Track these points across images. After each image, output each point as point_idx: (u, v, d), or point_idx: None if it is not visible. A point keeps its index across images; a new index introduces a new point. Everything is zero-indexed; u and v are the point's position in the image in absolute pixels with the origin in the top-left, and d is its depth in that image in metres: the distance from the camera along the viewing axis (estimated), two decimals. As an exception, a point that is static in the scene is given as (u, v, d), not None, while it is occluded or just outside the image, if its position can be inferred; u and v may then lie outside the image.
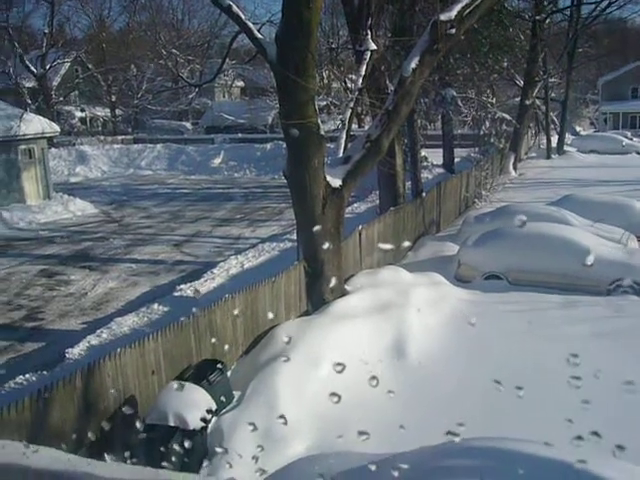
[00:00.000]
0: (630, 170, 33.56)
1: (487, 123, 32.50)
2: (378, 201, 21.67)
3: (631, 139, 48.45)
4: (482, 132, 32.57)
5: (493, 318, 12.41)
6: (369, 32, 14.16)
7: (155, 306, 13.69)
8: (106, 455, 7.28)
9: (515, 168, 34.01)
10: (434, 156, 33.55)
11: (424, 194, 19.74)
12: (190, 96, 60.15)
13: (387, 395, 9.56)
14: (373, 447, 7.18)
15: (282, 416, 3.62)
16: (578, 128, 60.82)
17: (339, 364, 2.53)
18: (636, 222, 18.01)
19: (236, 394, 9.11)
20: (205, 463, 7.53)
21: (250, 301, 10.36)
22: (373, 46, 13.83)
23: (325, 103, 42.01)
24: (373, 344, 10.63)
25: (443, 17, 10.96)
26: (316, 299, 11.63)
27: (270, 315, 10.54)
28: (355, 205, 25.38)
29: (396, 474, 5.82)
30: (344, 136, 13.22)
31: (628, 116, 63.07)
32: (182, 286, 15.09)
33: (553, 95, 43.88)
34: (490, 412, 8.79)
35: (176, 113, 62.33)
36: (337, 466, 6.47)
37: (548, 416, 8.67)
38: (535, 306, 12.94)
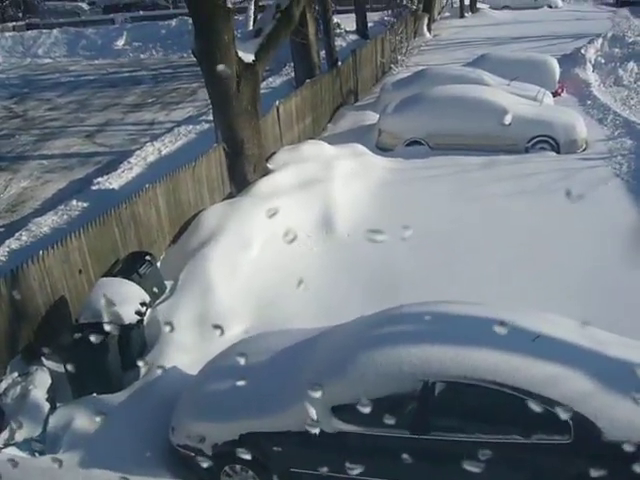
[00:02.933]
0: (543, 25, 33.52)
1: (399, -17, 31.60)
2: (293, 74, 21.10)
3: (542, -8, 48.23)
4: (394, -6, 31.71)
5: (417, 183, 12.56)
6: None
7: (74, 202, 13.18)
8: (43, 359, 7.19)
9: (429, 30, 33.50)
10: (347, 22, 32.57)
11: (339, 63, 19.28)
12: (82, -27, 56.00)
13: (319, 270, 9.71)
14: (312, 322, 7.35)
15: (218, 326, 3.48)
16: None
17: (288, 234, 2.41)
18: (550, 78, 18.19)
19: (168, 284, 9.02)
20: (145, 355, 7.52)
21: (172, 189, 10.08)
22: None
23: (230, -28, 39.82)
24: (301, 220, 10.59)
25: None
26: (239, 180, 11.43)
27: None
28: (270, 80, 24.63)
29: (336, 345, 5.97)
30: (253, 7, 12.58)
31: (538, -31, 62.37)
32: (99, 179, 14.55)
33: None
34: (421, 276, 9.04)
35: (69, -7, 58.10)
36: (278, 344, 6.56)
37: (480, 274, 9.01)
38: (457, 169, 13.11)
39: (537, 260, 9.28)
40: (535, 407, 3.88)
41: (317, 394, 2.95)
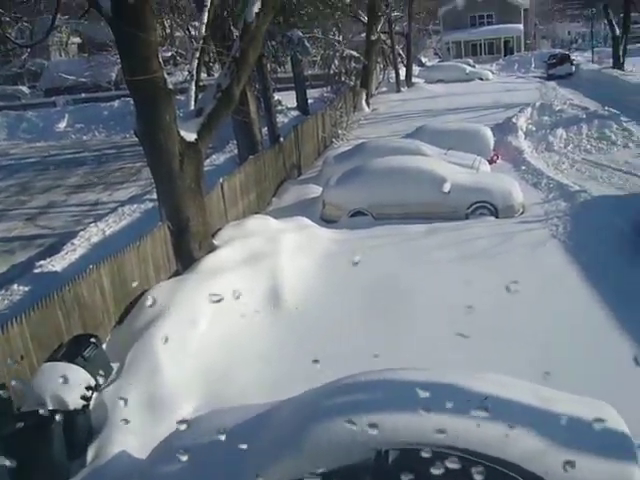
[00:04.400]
0: (475, 96, 34.96)
1: (336, 62, 32.72)
2: (236, 150, 21.39)
3: (473, 66, 50.43)
4: (332, 71, 32.76)
5: (363, 253, 12.69)
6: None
7: (15, 287, 12.92)
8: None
9: (368, 104, 34.53)
10: (288, 99, 33.40)
11: (282, 139, 19.66)
12: (23, 57, 56.22)
13: (268, 344, 9.66)
14: (263, 396, 7.27)
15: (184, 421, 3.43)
16: (424, 59, 62.49)
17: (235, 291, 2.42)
18: (485, 146, 18.92)
19: (115, 366, 8.84)
20: (92, 441, 7.29)
21: (117, 269, 9.98)
22: (213, -9, 13.37)
23: (170, 54, 40.56)
24: (249, 295, 10.57)
25: (281, -43, 10.74)
26: (185, 258, 11.40)
27: (135, 284, 10.07)
28: (213, 157, 24.93)
29: (286, 419, 5.91)
30: (194, 87, 12.82)
31: (469, 44, 65.46)
32: (42, 262, 14.31)
33: (397, 29, 44.64)
34: (370, 344, 9.05)
35: (10, 77, 58.12)
36: (228, 421, 6.45)
37: (427, 339, 9.08)
38: (401, 237, 13.35)
39: (483, 323, 9.41)
40: (488, 468, 3.90)
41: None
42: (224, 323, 9.70)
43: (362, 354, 8.68)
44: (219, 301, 2.69)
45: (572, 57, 48.52)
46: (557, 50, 59.68)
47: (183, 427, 3.33)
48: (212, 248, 11.84)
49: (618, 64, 41.86)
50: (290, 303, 10.80)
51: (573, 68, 44.88)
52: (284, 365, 8.79)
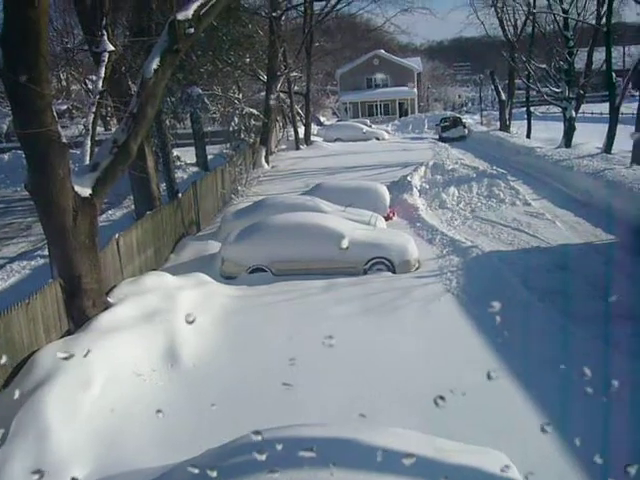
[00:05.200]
0: (372, 155, 36.05)
1: (236, 119, 33.00)
2: (134, 206, 21.05)
3: (370, 126, 52.14)
4: (232, 128, 33.00)
5: (262, 309, 12.66)
6: (105, 32, 13.59)
7: None
8: None
9: (267, 161, 34.91)
10: (187, 155, 33.36)
11: (180, 195, 19.52)
12: None
13: (165, 403, 9.37)
14: (160, 459, 7.01)
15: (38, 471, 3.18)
16: (322, 118, 64.06)
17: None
18: (381, 204, 19.45)
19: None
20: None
21: (2, 329, 9.49)
22: (110, 47, 13.30)
23: (66, 107, 39.87)
24: (144, 354, 10.31)
25: (180, 16, 10.85)
26: (77, 316, 11.00)
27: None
28: (110, 212, 24.41)
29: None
30: (89, 142, 12.59)
31: (366, 105, 67.80)
32: None
33: (296, 88, 45.71)
34: (269, 402, 8.96)
35: None
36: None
37: (326, 395, 9.08)
38: (300, 293, 13.41)
39: (383, 376, 9.53)
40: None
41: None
42: (119, 383, 9.38)
43: (261, 411, 8.59)
44: (67, 358, 2.58)
45: (464, 120, 49.69)
46: (448, 113, 62.49)
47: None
48: (107, 306, 11.49)
49: (504, 127, 44.33)
50: (187, 361, 10.57)
51: (466, 131, 45.74)
52: (182, 425, 8.55)
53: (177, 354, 10.68)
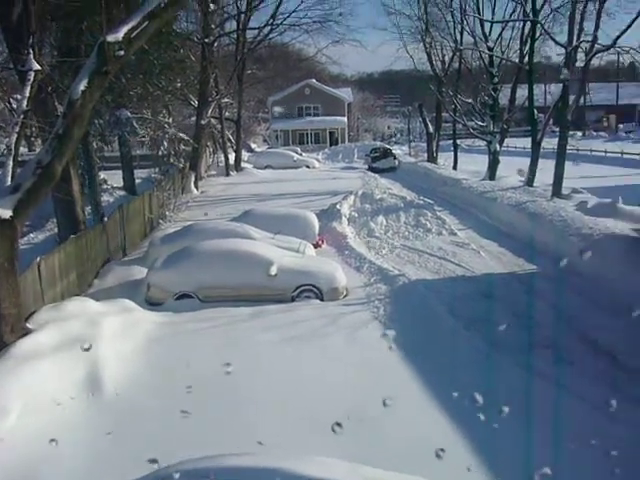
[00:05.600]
0: (302, 183, 36.26)
1: (165, 143, 32.71)
2: (57, 229, 20.50)
3: (301, 154, 52.52)
4: (161, 152, 32.69)
5: (188, 336, 12.46)
6: (31, 50, 13.28)
7: None
8: None
9: (197, 187, 34.65)
10: (114, 178, 32.77)
11: (106, 218, 19.12)
12: None
13: (85, 433, 9.06)
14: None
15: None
16: (253, 145, 64.17)
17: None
18: (311, 231, 19.54)
19: None
20: None
21: None
22: (37, 66, 12.97)
23: (-12, 127, 38.66)
24: (64, 382, 9.98)
25: (110, 38, 10.69)
26: (-6, 342, 10.57)
27: None
28: (31, 235, 23.70)
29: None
30: (11, 162, 12.20)
31: (297, 133, 68.31)
32: None
33: (227, 114, 45.66)
34: (197, 429, 8.77)
35: None
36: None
37: (254, 422, 8.96)
38: (228, 320, 13.27)
39: (309, 404, 9.47)
40: None
41: None
42: (37, 412, 9.05)
43: (186, 440, 8.40)
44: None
45: (395, 151, 49.67)
46: (378, 143, 63.49)
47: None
48: (26, 332, 11.08)
49: (432, 158, 45.35)
50: (110, 389, 10.28)
51: (396, 162, 45.50)
52: (102, 455, 8.28)
53: (99, 382, 10.39)
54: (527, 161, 31.14)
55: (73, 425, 9.16)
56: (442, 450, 3.38)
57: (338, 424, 3.27)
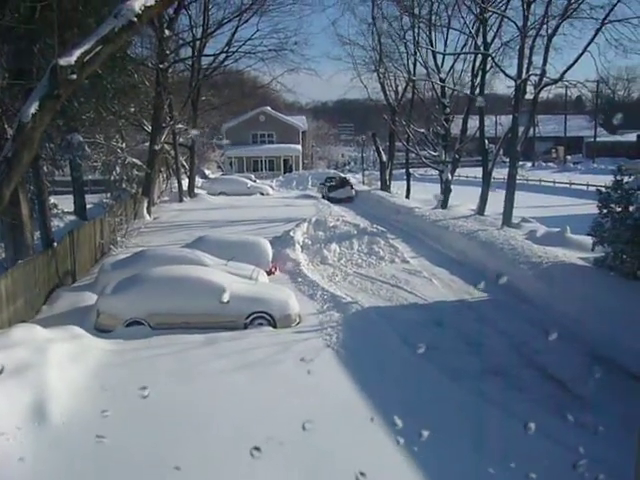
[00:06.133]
0: (256, 210, 36.26)
1: (118, 168, 32.42)
2: (4, 254, 20.04)
3: (255, 181, 52.52)
4: (113, 177, 32.36)
5: (139, 364, 12.26)
6: (-19, 73, 13.11)
7: None
8: None
9: (149, 212, 34.30)
10: (65, 203, 32.21)
11: (55, 244, 18.78)
12: None
13: (29, 465, 8.82)
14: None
15: None
16: (207, 171, 63.95)
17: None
18: (264, 258, 19.52)
19: None
20: None
21: None
22: (-14, 88, 12.82)
23: None
24: (9, 411, 9.70)
25: (63, 62, 10.59)
26: None
27: None
28: (-22, 260, 23.10)
29: None
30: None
31: (251, 160, 68.43)
32: None
33: (181, 140, 45.42)
34: (146, 460, 8.62)
35: None
36: None
37: (205, 453, 8.83)
38: (179, 347, 13.11)
39: (261, 433, 9.38)
40: None
41: None
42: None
43: (137, 471, 8.24)
44: None
45: (351, 180, 49.06)
46: (332, 171, 63.88)
47: None
48: (-32, 360, 10.76)
49: (385, 187, 45.81)
50: (57, 418, 10.03)
51: (354, 192, 44.87)
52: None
53: (45, 411, 10.13)
54: (478, 190, 31.73)
55: (17, 456, 8.90)
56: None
57: (257, 448, 3.37)
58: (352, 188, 45.63)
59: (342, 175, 53.55)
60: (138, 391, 10.70)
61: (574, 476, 3.27)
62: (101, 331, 14.31)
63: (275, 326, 14.59)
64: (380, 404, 10.11)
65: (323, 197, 44.94)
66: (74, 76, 10.65)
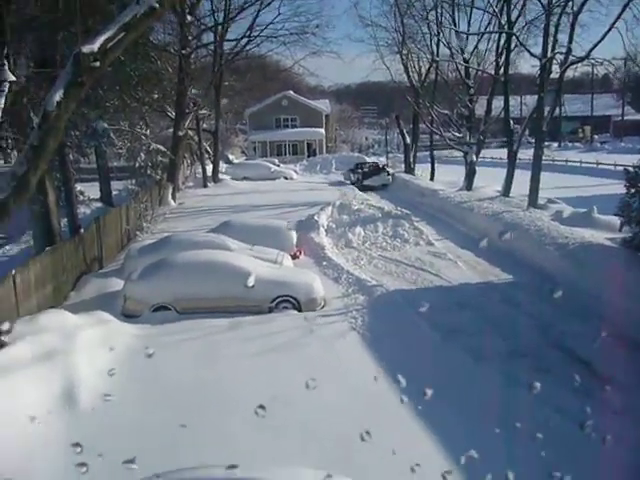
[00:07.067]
0: (279, 194, 36.26)
1: (142, 155, 32.55)
2: (32, 241, 20.31)
3: (278, 165, 52.50)
4: (138, 164, 32.51)
5: (165, 349, 12.36)
6: (6, 62, 13.19)
7: None
8: None
9: (174, 198, 34.51)
10: (91, 190, 32.55)
11: (82, 230, 18.98)
12: None
13: (62, 449, 8.96)
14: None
15: None
16: (231, 157, 64.05)
17: None
18: (288, 242, 19.55)
19: None
20: None
21: None
22: (11, 77, 12.88)
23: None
24: (40, 396, 9.87)
25: (86, 49, 10.64)
26: (-32, 356, 10.42)
27: None
28: (7, 247, 23.45)
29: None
30: (-15, 175, 12.12)
31: (274, 144, 68.35)
32: None
33: (205, 126, 45.56)
34: (173, 441, 8.72)
35: None
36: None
37: (231, 434, 8.92)
38: (205, 332, 13.20)
39: (286, 415, 9.45)
40: None
41: None
42: (11, 428, 8.89)
43: (165, 453, 8.34)
44: None
45: (388, 167, 45.32)
46: (356, 154, 63.57)
47: None
48: (1, 345, 10.95)
49: (409, 169, 45.56)
50: (86, 403, 10.17)
51: (390, 179, 41.73)
52: (80, 473, 8.17)
53: (75, 396, 10.29)
54: (503, 172, 31.44)
55: (49, 440, 9.05)
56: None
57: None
58: (389, 175, 42.35)
59: (375, 161, 49.58)
60: (163, 374, 10.88)
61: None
62: (128, 316, 14.47)
63: (300, 310, 14.64)
64: (405, 387, 10.11)
65: (353, 184, 42.12)
66: (97, 63, 10.70)
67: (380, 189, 40.12)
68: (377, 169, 43.42)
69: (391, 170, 44.24)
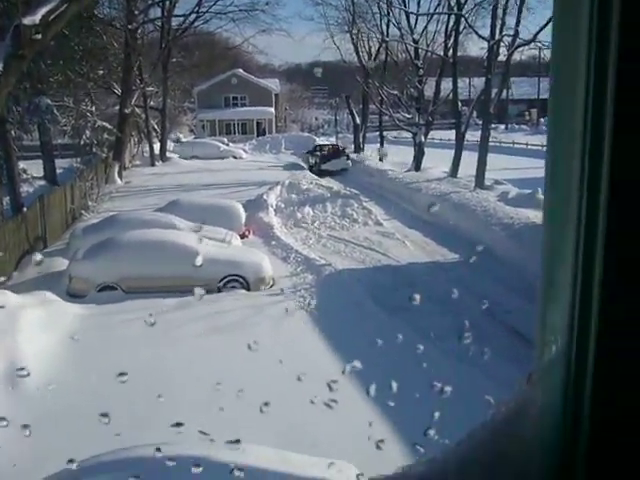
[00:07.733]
0: (229, 173, 35.95)
1: (88, 132, 31.91)
2: (-27, 220, 19.78)
3: (227, 144, 52.03)
4: (83, 141, 31.87)
5: (112, 329, 12.25)
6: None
7: None
8: None
9: (121, 177, 33.91)
10: (34, 168, 31.70)
11: (25, 209, 18.54)
12: None
13: (2, 432, 8.80)
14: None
15: None
16: (179, 135, 63.20)
17: None
18: (237, 221, 19.47)
19: None
20: None
21: None
22: (-52, 50, 12.48)
23: None
24: (-19, 377, 9.67)
25: (27, 21, 10.37)
26: None
27: None
28: (-54, 227, 22.76)
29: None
30: None
31: (223, 123, 67.67)
32: None
33: (152, 103, 44.77)
34: (123, 423, 8.61)
35: None
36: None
37: (182, 415, 8.87)
38: (152, 311, 13.04)
39: (235, 394, 9.45)
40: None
41: None
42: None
43: (109, 434, 8.26)
44: None
45: (347, 150, 41.43)
46: (305, 134, 63.34)
47: None
48: (-62, 326, 10.68)
49: (358, 149, 45.71)
50: (30, 385, 9.99)
51: (350, 163, 37.90)
52: (19, 457, 8.05)
53: (19, 376, 10.09)
54: (451, 153, 31.80)
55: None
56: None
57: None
58: (349, 158, 38.60)
59: (334, 143, 46.33)
60: (108, 356, 10.76)
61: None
62: (73, 296, 14.25)
63: (249, 289, 14.62)
64: (350, 361, 10.22)
65: (311, 169, 38.15)
66: (39, 36, 10.44)
67: (338, 174, 36.13)
68: (337, 152, 39.64)
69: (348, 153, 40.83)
